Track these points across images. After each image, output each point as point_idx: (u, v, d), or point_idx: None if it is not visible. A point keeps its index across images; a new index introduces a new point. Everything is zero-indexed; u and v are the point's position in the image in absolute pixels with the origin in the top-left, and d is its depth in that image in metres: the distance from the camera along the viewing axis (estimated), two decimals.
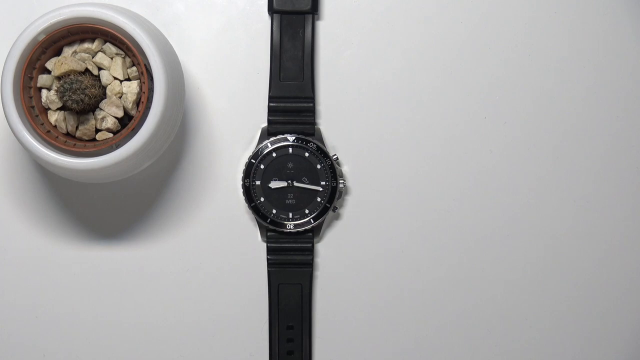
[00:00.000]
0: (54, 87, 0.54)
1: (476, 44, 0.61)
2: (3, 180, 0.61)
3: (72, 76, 0.53)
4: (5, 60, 0.53)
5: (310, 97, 0.60)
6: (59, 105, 0.54)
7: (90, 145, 0.54)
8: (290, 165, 0.60)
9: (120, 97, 0.54)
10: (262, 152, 0.60)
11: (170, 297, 0.61)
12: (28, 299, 0.61)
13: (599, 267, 0.62)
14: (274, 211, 0.59)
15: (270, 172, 0.60)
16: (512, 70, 0.61)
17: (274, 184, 0.59)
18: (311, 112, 0.60)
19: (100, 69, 0.55)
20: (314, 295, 0.61)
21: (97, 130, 0.55)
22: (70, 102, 0.53)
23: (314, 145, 0.59)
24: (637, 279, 0.62)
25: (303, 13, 0.60)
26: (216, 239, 0.61)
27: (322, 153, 0.59)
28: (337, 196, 0.60)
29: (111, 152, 0.53)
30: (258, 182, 0.60)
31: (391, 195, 0.61)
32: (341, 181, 0.60)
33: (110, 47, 0.55)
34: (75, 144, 0.54)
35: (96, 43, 0.55)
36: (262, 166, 0.60)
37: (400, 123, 0.61)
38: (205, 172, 0.61)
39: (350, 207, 0.61)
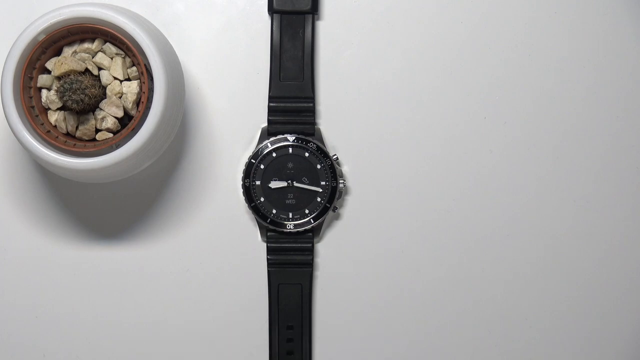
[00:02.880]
0: (54, 87, 0.54)
1: (476, 44, 0.61)
2: (3, 180, 0.61)
3: (72, 76, 0.53)
4: (5, 60, 0.53)
5: (310, 97, 0.60)
6: (59, 105, 0.54)
7: (90, 145, 0.54)
8: (290, 165, 0.60)
9: (120, 97, 0.54)
10: (262, 152, 0.60)
11: (170, 297, 0.61)
12: (28, 299, 0.61)
13: (599, 267, 0.62)
14: (274, 211, 0.60)
15: (270, 172, 0.60)
16: (512, 70, 0.61)
17: (274, 184, 0.59)
18: (311, 112, 0.60)
19: (100, 69, 0.55)
20: (314, 295, 0.61)
21: (97, 130, 0.55)
22: (70, 102, 0.53)
23: (314, 145, 0.59)
24: (637, 279, 0.62)
25: (303, 13, 0.60)
26: (216, 239, 0.61)
27: (322, 153, 0.59)
28: (337, 196, 0.60)
29: (111, 152, 0.53)
30: (258, 182, 0.60)
31: (391, 195, 0.61)
32: (341, 181, 0.60)
33: (110, 47, 0.55)
34: (75, 144, 0.54)
35: (96, 43, 0.55)
36: (262, 166, 0.60)
37: (400, 123, 0.61)
38: (205, 172, 0.61)
39: (350, 207, 0.61)
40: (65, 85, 0.53)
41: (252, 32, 0.61)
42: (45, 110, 0.55)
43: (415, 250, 0.61)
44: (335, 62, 0.61)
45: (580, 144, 0.61)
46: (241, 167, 0.60)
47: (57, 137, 0.54)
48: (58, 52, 0.55)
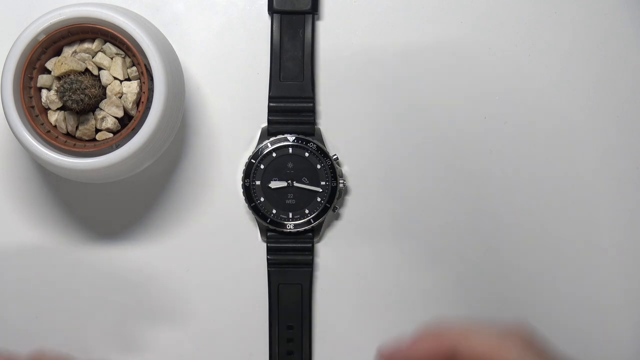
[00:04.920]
0: (54, 87, 0.54)
1: (476, 43, 0.61)
2: (3, 180, 0.61)
3: (72, 76, 0.53)
4: (5, 60, 0.53)
5: (310, 97, 0.60)
6: (59, 105, 0.54)
7: (90, 145, 0.54)
8: (290, 165, 0.60)
9: (120, 97, 0.54)
10: (262, 152, 0.60)
11: (170, 296, 0.61)
12: (28, 299, 0.61)
13: (599, 267, 0.62)
14: (274, 211, 0.60)
15: (270, 172, 0.60)
16: (512, 70, 0.61)
17: (274, 184, 0.59)
18: (311, 112, 0.60)
19: (100, 69, 0.55)
20: (314, 295, 0.61)
21: (97, 130, 0.55)
22: (70, 102, 0.53)
23: (314, 145, 0.59)
24: (638, 279, 0.62)
25: (303, 13, 0.60)
26: (216, 239, 0.61)
27: (322, 153, 0.59)
28: (337, 196, 0.60)
29: (111, 152, 0.53)
30: (258, 182, 0.60)
31: (391, 195, 0.61)
32: (341, 181, 0.60)
33: (110, 47, 0.55)
34: (75, 144, 0.54)
35: (96, 43, 0.55)
36: (262, 166, 0.60)
37: (400, 123, 0.61)
38: (205, 172, 0.61)
39: (350, 207, 0.61)
40: (65, 85, 0.53)
41: (252, 32, 0.61)
42: (45, 110, 0.55)
43: (415, 250, 0.61)
44: (335, 62, 0.61)
45: (580, 144, 0.61)
46: (241, 167, 0.60)
47: (57, 137, 0.54)
48: (58, 52, 0.55)
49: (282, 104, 0.60)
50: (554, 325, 0.62)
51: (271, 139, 0.60)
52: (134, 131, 0.53)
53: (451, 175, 0.61)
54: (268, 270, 0.60)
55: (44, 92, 0.55)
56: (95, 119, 0.54)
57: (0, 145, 0.61)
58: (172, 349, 0.61)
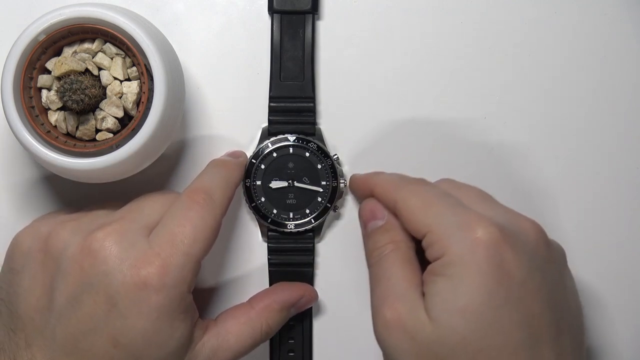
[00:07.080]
0: (54, 87, 0.54)
1: (476, 43, 0.61)
2: (3, 180, 0.61)
3: (72, 76, 0.53)
4: (5, 60, 0.53)
5: (311, 97, 0.60)
6: (59, 105, 0.54)
7: (90, 146, 0.54)
8: (290, 165, 0.60)
9: (120, 97, 0.54)
10: (262, 152, 0.60)
11: None
12: None
13: (600, 267, 0.62)
14: (275, 211, 0.59)
15: (270, 172, 0.60)
16: (512, 70, 0.61)
17: (275, 184, 0.59)
18: (312, 112, 0.60)
19: (100, 69, 0.55)
20: None
21: (97, 131, 0.55)
22: (70, 102, 0.53)
23: (315, 145, 0.59)
24: (638, 279, 0.62)
25: (303, 13, 0.60)
26: (217, 240, 0.61)
27: (322, 153, 0.59)
28: (337, 196, 0.60)
29: (111, 152, 0.53)
30: (259, 182, 0.59)
31: None
32: (342, 181, 0.60)
33: (110, 47, 0.55)
34: (75, 144, 0.54)
35: (96, 43, 0.55)
36: (262, 166, 0.60)
37: (400, 123, 0.61)
38: None
39: (351, 207, 0.61)
40: (65, 86, 0.53)
41: (252, 32, 0.61)
42: (45, 110, 0.55)
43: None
44: (335, 62, 0.61)
45: (580, 144, 0.62)
46: None
47: (57, 137, 0.54)
48: (58, 52, 0.55)
49: (282, 104, 0.60)
50: None
51: (272, 139, 0.60)
52: (134, 131, 0.53)
53: (451, 175, 0.61)
54: (269, 271, 0.60)
55: (44, 92, 0.55)
56: (95, 119, 0.54)
57: (0, 145, 0.61)
58: None
